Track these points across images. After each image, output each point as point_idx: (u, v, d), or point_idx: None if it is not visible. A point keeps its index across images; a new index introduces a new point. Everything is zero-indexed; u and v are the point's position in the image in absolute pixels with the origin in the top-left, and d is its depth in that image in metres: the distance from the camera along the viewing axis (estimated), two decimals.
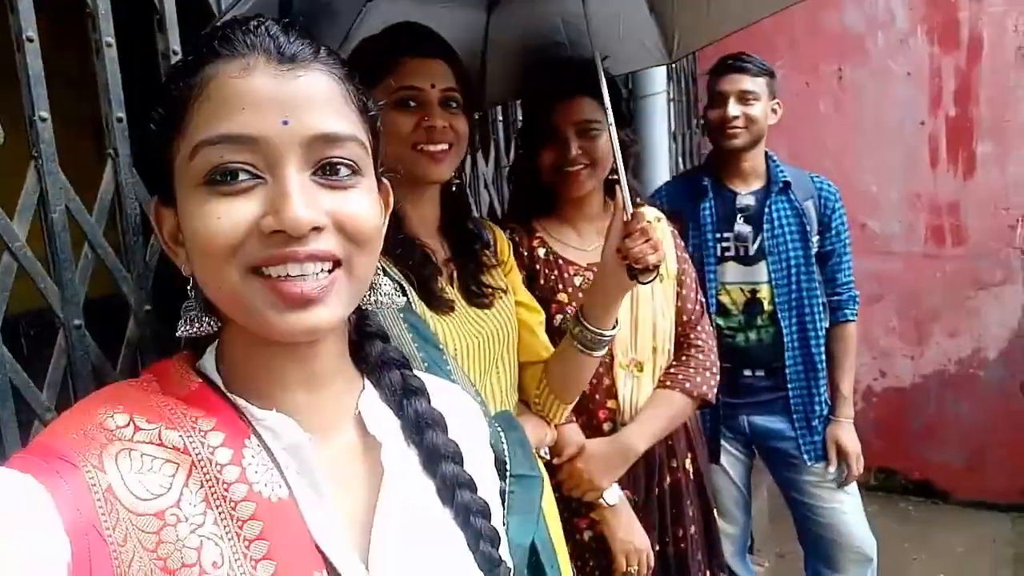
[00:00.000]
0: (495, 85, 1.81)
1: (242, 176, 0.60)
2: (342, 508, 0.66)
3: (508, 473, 1.24)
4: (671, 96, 3.28)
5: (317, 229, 0.61)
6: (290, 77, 0.62)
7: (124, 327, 1.30)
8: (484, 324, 1.38)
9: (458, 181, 1.44)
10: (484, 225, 1.55)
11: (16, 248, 1.15)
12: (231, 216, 0.60)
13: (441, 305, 1.30)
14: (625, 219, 1.36)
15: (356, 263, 0.65)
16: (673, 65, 3.47)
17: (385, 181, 0.73)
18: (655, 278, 1.37)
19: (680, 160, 3.52)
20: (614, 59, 1.76)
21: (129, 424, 0.60)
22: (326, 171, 0.63)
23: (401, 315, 1.21)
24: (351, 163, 0.64)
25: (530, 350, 1.51)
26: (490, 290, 1.42)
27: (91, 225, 1.26)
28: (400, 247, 1.29)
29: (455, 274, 1.40)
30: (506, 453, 1.26)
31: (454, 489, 0.73)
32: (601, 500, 1.62)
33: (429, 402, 0.76)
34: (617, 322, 1.47)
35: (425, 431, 0.74)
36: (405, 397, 0.75)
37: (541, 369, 1.51)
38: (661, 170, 3.04)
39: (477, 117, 2.33)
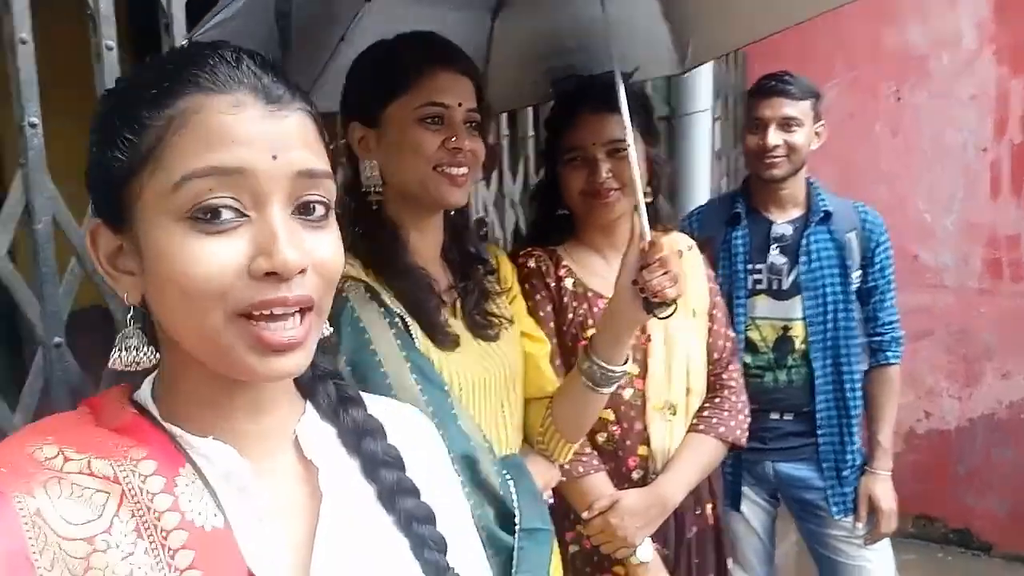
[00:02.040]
0: (498, 93, 1.72)
1: (226, 215, 0.60)
2: (283, 534, 0.67)
3: (518, 527, 1.17)
4: (716, 114, 3.15)
5: (302, 271, 0.62)
6: (278, 117, 0.63)
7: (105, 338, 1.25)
8: (491, 358, 1.29)
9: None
10: (487, 249, 1.46)
11: None
12: (218, 258, 0.59)
13: (446, 339, 1.22)
14: (642, 247, 1.26)
15: (325, 303, 0.66)
16: (719, 81, 3.36)
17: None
18: (673, 313, 1.27)
19: (724, 182, 3.39)
20: (626, 66, 1.67)
21: (58, 455, 0.60)
22: (303, 210, 0.64)
23: (404, 353, 1.14)
24: (326, 202, 0.65)
25: (535, 385, 1.42)
26: (496, 320, 1.33)
27: (80, 236, 1.21)
28: (402, 278, 1.21)
29: (458, 303, 1.31)
30: (516, 505, 1.18)
31: (394, 495, 0.74)
32: (633, 557, 1.51)
33: (365, 410, 0.77)
34: (629, 358, 1.37)
35: (363, 439, 0.75)
36: (341, 407, 0.76)
37: (546, 405, 1.42)
38: (701, 192, 2.92)
39: (507, 133, 2.26)
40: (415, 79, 1.20)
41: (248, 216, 0.60)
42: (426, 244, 1.28)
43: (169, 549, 0.59)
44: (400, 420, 0.82)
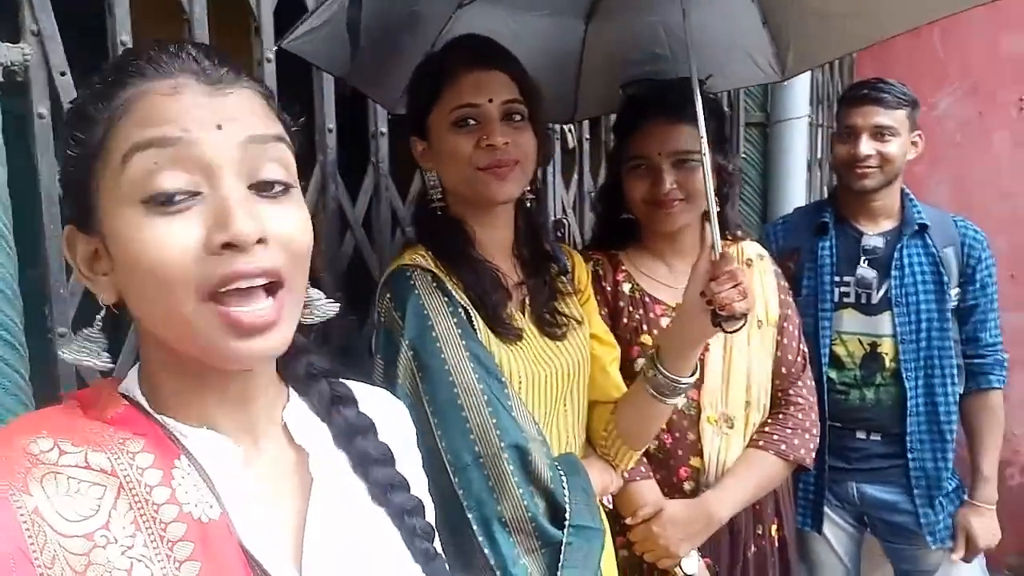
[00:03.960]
0: (590, 97, 1.72)
1: (179, 197, 0.60)
2: (275, 520, 0.68)
3: (568, 522, 1.16)
4: (814, 121, 3.04)
5: (261, 242, 0.61)
6: (220, 94, 0.63)
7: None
8: (555, 356, 1.30)
9: (532, 197, 1.36)
10: (562, 249, 1.46)
11: None
12: (176, 238, 0.59)
13: (508, 333, 1.23)
14: (713, 259, 1.24)
15: (295, 280, 0.65)
16: (820, 87, 3.24)
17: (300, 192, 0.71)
18: (741, 327, 1.24)
19: (821, 191, 3.26)
20: (720, 74, 1.63)
21: (54, 448, 0.59)
22: (263, 188, 0.63)
23: (464, 342, 1.16)
24: (284, 174, 0.65)
25: (601, 389, 1.42)
26: (564, 320, 1.33)
27: None
28: (468, 270, 1.23)
29: (527, 300, 1.32)
30: (566, 499, 1.18)
31: (386, 491, 0.75)
32: (677, 569, 1.48)
33: (357, 408, 0.78)
34: (696, 369, 1.34)
35: (354, 437, 0.76)
36: (333, 406, 0.77)
37: (610, 410, 1.41)
38: (796, 201, 2.82)
39: (588, 136, 2.26)
40: (443, 86, 1.22)
41: (201, 193, 0.60)
42: (493, 240, 1.30)
43: (168, 541, 0.59)
44: (384, 411, 0.83)
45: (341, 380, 0.80)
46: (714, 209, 1.28)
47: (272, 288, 0.63)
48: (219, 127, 0.61)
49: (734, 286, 1.20)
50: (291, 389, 0.76)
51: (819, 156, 3.24)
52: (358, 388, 0.83)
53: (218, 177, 0.60)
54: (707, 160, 1.29)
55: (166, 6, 1.34)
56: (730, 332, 1.25)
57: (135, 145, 0.60)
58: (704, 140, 1.30)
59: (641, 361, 1.49)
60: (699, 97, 1.32)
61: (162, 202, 0.59)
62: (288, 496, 0.70)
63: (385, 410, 0.83)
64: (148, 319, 0.64)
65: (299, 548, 0.67)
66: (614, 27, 1.62)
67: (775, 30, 1.62)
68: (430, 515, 0.82)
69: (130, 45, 1.24)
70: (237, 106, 0.63)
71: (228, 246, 0.59)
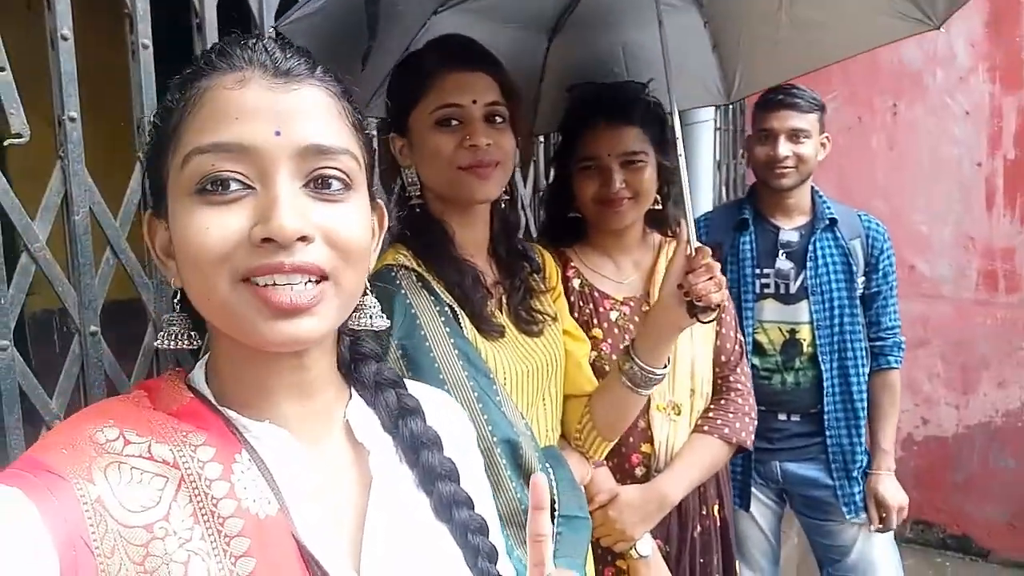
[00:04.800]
0: (548, 111, 1.77)
1: (233, 186, 0.61)
2: (334, 517, 0.68)
3: (557, 513, 1.19)
4: (717, 125, 3.21)
5: (304, 239, 0.61)
6: (284, 90, 0.63)
7: (140, 331, 1.27)
8: (533, 353, 1.32)
9: (508, 198, 1.38)
10: (532, 248, 1.49)
11: (35, 249, 1.13)
12: (222, 226, 0.60)
13: (492, 330, 1.25)
14: (689, 253, 1.30)
15: (344, 277, 0.65)
16: None
17: (379, 201, 0.74)
18: (716, 317, 1.31)
19: (724, 190, 3.44)
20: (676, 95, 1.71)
21: (119, 438, 0.60)
22: (318, 184, 0.64)
23: (452, 340, 1.17)
24: (343, 176, 0.65)
25: (574, 383, 1.45)
26: (540, 317, 1.36)
27: (115, 229, 1.24)
28: (451, 269, 1.24)
29: (504, 298, 1.34)
30: (555, 491, 1.20)
31: (451, 507, 0.75)
32: (632, 551, 1.53)
33: (424, 421, 0.77)
34: (669, 361, 1.40)
35: (421, 451, 0.75)
36: (400, 417, 0.76)
37: (584, 403, 1.44)
38: (704, 200, 2.97)
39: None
40: (427, 85, 1.23)
41: (254, 188, 0.61)
42: (471, 239, 1.31)
43: (225, 536, 0.59)
44: (449, 421, 0.82)
45: (407, 391, 0.79)
46: (690, 207, 1.34)
47: (318, 281, 0.63)
48: (277, 133, 0.61)
49: (710, 278, 1.26)
50: (355, 392, 0.76)
51: (718, 158, 3.41)
52: (421, 392, 0.82)
53: (271, 177, 0.61)
54: (683, 162, 1.34)
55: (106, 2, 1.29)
56: (705, 322, 1.30)
57: (196, 148, 0.61)
58: (680, 142, 1.35)
59: (594, 354, 1.54)
60: (676, 116, 1.37)
61: (214, 192, 0.61)
62: (348, 493, 0.70)
63: (449, 419, 0.83)
64: (196, 301, 0.65)
65: (357, 546, 0.67)
66: (575, 44, 1.67)
67: (724, 55, 1.72)
68: (495, 534, 0.80)
69: (71, 40, 1.18)
70: (301, 106, 0.63)
71: (268, 241, 0.60)
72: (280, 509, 0.62)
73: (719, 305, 1.28)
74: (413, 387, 0.81)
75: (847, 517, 2.15)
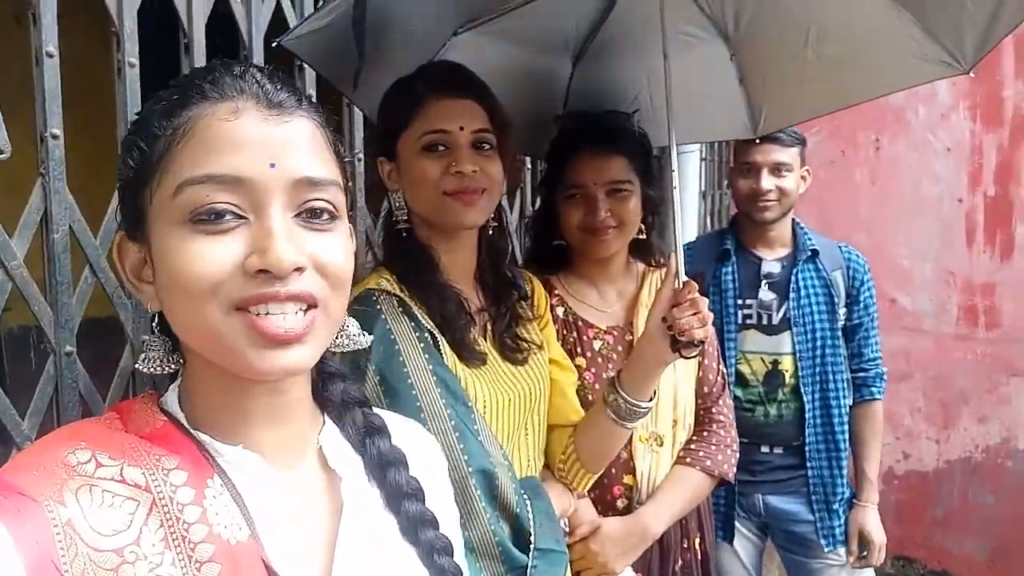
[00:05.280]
0: None
1: (227, 217, 0.61)
2: (306, 542, 0.68)
3: (532, 546, 1.17)
4: (703, 155, 3.23)
5: (299, 270, 0.62)
6: (277, 122, 0.64)
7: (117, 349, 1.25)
8: (517, 381, 1.31)
9: (496, 224, 1.37)
10: (522, 275, 1.48)
11: (12, 267, 1.11)
12: (216, 256, 0.61)
13: (473, 358, 1.24)
14: (676, 287, 1.29)
15: (331, 304, 0.66)
16: None
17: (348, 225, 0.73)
18: (699, 354, 1.29)
19: (709, 220, 3.46)
20: (696, 126, 1.73)
21: (91, 460, 0.60)
22: (308, 214, 0.65)
23: (430, 367, 1.16)
24: (331, 207, 0.66)
25: (559, 412, 1.43)
26: (525, 345, 1.35)
27: (95, 248, 1.22)
28: (433, 295, 1.23)
29: (489, 325, 1.33)
30: (532, 523, 1.19)
31: (417, 527, 0.75)
32: None
33: (390, 440, 0.78)
34: (655, 394, 1.39)
35: (387, 469, 0.76)
36: (367, 436, 0.77)
37: (569, 433, 1.43)
38: (690, 230, 2.99)
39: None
40: (416, 110, 1.23)
41: (247, 218, 0.62)
42: (457, 265, 1.31)
43: (196, 561, 0.59)
44: (416, 444, 0.83)
45: (375, 411, 0.80)
46: (681, 238, 1.33)
47: (306, 309, 0.64)
48: (272, 165, 0.62)
49: (694, 314, 1.25)
50: (326, 415, 0.77)
51: (703, 188, 3.43)
52: (390, 419, 0.83)
53: (264, 208, 0.62)
54: (677, 194, 1.34)
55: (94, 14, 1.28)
56: (688, 357, 1.29)
57: (188, 180, 0.61)
58: (676, 173, 1.36)
59: (578, 383, 1.53)
60: (675, 149, 1.38)
61: (208, 221, 0.61)
62: (319, 519, 0.70)
63: (418, 443, 0.84)
64: (181, 329, 0.65)
65: (328, 572, 0.67)
66: (600, 69, 1.68)
67: (751, 89, 1.73)
68: (459, 555, 0.81)
69: (56, 57, 1.17)
70: (293, 138, 0.64)
71: (263, 272, 0.61)
72: (251, 535, 0.62)
73: (702, 341, 1.26)
74: (384, 415, 0.82)
75: (825, 550, 2.14)
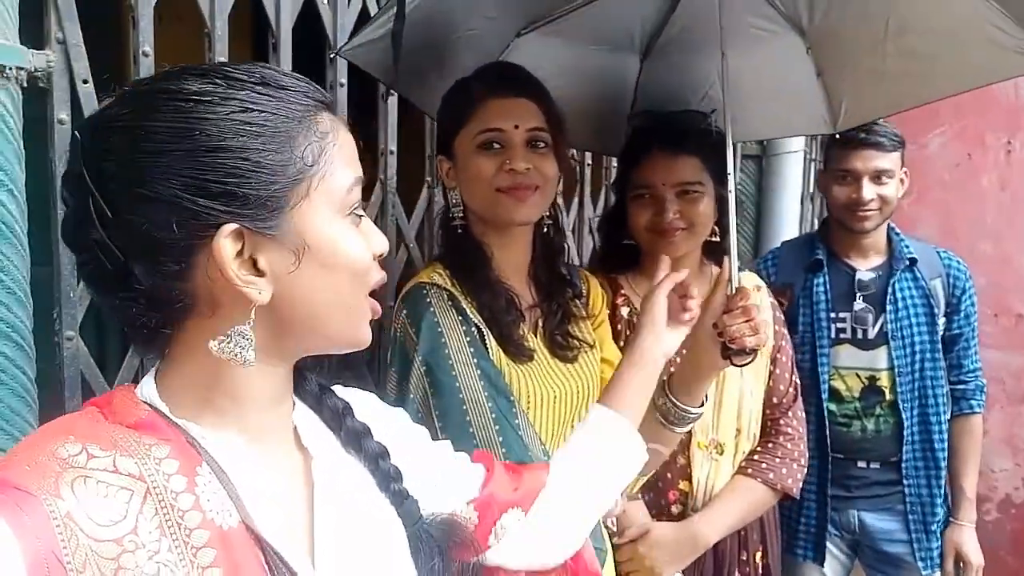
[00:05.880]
0: None
1: (358, 212, 0.74)
2: (289, 521, 0.70)
3: None
4: (808, 155, 3.10)
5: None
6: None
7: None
8: (564, 379, 1.32)
9: (551, 222, 1.38)
10: (578, 273, 1.49)
11: None
12: (363, 244, 0.72)
13: (519, 353, 1.26)
14: (729, 293, 1.24)
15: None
16: None
17: None
18: (751, 362, 1.24)
19: (813, 223, 3.31)
20: (773, 122, 1.68)
21: (82, 452, 0.60)
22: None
23: (475, 360, 1.19)
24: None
25: None
26: (576, 343, 1.36)
27: None
28: (484, 290, 1.26)
29: (540, 322, 1.34)
30: None
31: (389, 482, 0.82)
32: None
33: (354, 415, 0.84)
34: (706, 399, 1.35)
35: (361, 439, 0.82)
36: (343, 417, 0.83)
37: None
38: (788, 234, 2.87)
39: (590, 161, 2.30)
40: (472, 110, 1.27)
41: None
42: (510, 261, 1.33)
43: (192, 547, 0.61)
44: (372, 412, 0.89)
45: (336, 393, 0.85)
46: (735, 244, 1.29)
47: None
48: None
49: (746, 321, 1.20)
50: (297, 399, 0.80)
51: (811, 190, 3.29)
52: (343, 392, 0.88)
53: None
54: (732, 198, 1.30)
55: (190, 21, 1.38)
56: (739, 366, 1.24)
57: (356, 180, 0.72)
58: (733, 176, 1.32)
59: None
60: (731, 145, 1.34)
61: (359, 216, 0.72)
62: (300, 496, 0.73)
63: (372, 410, 0.90)
64: (315, 313, 0.69)
65: (311, 546, 0.71)
66: (668, 65, 1.67)
67: (829, 83, 1.67)
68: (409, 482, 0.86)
69: (151, 56, 1.27)
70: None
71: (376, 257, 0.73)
72: (241, 520, 0.65)
73: (755, 349, 1.21)
74: (339, 391, 0.87)
75: (923, 573, 2.02)
